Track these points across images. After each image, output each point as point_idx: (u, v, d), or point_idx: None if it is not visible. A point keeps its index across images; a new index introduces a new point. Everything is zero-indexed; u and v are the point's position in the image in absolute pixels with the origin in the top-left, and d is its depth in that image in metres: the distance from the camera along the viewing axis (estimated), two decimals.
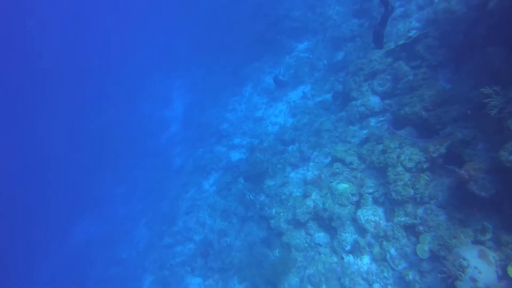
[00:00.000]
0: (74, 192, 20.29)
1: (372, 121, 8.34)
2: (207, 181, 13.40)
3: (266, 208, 8.77)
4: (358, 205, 7.00)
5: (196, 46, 20.33)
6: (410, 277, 5.74)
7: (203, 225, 11.85)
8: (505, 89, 4.67)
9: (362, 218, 6.69)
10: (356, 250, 6.75)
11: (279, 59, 14.80)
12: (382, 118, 8.23)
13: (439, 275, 5.07)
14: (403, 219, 6.11)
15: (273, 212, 8.34)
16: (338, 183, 7.26)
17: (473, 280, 4.61)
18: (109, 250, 15.72)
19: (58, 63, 27.42)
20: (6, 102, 25.84)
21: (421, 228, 5.79)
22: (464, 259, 4.75)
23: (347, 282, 6.60)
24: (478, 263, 4.64)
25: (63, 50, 28.21)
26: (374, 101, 8.32)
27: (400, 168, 6.33)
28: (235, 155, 13.19)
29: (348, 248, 6.94)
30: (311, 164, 8.89)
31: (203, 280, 10.64)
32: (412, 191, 6.07)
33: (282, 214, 8.18)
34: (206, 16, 21.20)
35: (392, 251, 6.15)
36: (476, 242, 4.97)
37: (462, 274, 4.70)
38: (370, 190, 6.87)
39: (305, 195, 7.93)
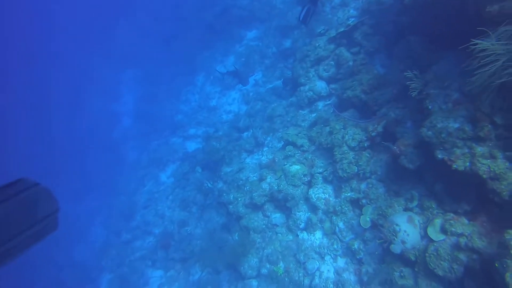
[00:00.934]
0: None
1: (320, 105, 9.14)
2: (164, 173, 13.70)
3: (224, 194, 9.33)
4: (309, 184, 7.78)
5: (145, 38, 20.13)
6: (356, 246, 6.62)
7: (162, 217, 12.20)
8: (423, 73, 5.57)
9: (313, 197, 7.48)
10: (309, 227, 7.55)
11: (229, 48, 15.25)
12: (328, 102, 9.05)
13: (377, 241, 5.98)
14: (349, 194, 6.96)
15: (231, 198, 8.92)
16: (291, 165, 7.99)
17: (403, 242, 5.54)
18: (61, 253, 15.45)
19: None
20: None
21: (364, 201, 6.67)
22: (396, 224, 5.66)
23: (302, 257, 7.39)
24: (407, 227, 5.57)
25: None
26: (321, 86, 9.11)
27: (345, 148, 7.17)
28: (191, 145, 13.58)
29: (302, 225, 7.71)
30: (265, 149, 9.57)
31: (165, 272, 11.03)
32: (356, 168, 6.93)
33: (240, 199, 8.78)
34: (155, 8, 20.98)
35: (341, 224, 7.00)
36: (406, 209, 5.90)
37: (395, 238, 5.61)
38: (320, 170, 7.67)
39: (261, 179, 8.59)
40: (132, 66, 20.71)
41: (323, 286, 6.80)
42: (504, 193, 4.50)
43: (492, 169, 4.61)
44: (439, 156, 5.10)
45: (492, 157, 4.70)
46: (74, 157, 19.57)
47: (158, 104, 16.47)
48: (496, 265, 4.14)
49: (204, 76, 15.58)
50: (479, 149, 4.80)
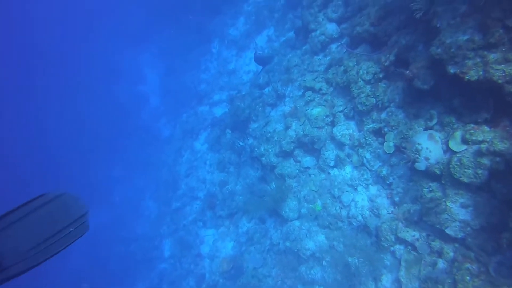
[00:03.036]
0: (73, 187, 21.19)
1: (333, 47, 9.14)
2: (198, 142, 14.36)
3: (256, 149, 9.78)
4: (333, 124, 8.03)
5: (155, 14, 20.23)
6: (384, 172, 6.91)
7: (204, 182, 12.99)
8: None
9: (338, 134, 7.75)
10: (338, 163, 7.88)
11: (238, 9, 15.14)
12: (342, 42, 9.02)
13: (401, 162, 6.23)
14: (371, 125, 7.16)
15: (262, 150, 9.37)
16: (312, 109, 8.23)
17: (426, 158, 5.76)
18: (124, 231, 16.93)
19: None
20: None
21: (386, 129, 6.85)
22: (418, 144, 5.87)
23: (336, 192, 7.80)
24: (429, 144, 5.76)
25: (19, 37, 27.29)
26: (331, 28, 9.05)
27: (361, 83, 7.28)
28: (218, 111, 14.04)
29: (332, 163, 8.05)
30: (287, 99, 9.80)
31: (216, 229, 11.93)
32: (374, 99, 7.07)
33: (270, 150, 9.21)
34: None
35: (367, 155, 7.27)
36: (426, 128, 6.05)
37: (418, 156, 5.83)
38: (341, 108, 7.87)
39: (287, 127, 8.92)
40: (148, 46, 21.07)
41: (360, 213, 7.23)
42: None
43: (508, 73, 4.64)
44: (451, 71, 5.16)
45: (507, 61, 4.71)
46: (114, 143, 20.71)
47: (180, 78, 16.90)
48: None
49: (219, 42, 15.71)
50: (492, 56, 4.81)
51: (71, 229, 1.29)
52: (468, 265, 5.15)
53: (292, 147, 8.72)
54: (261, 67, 10.15)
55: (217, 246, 11.48)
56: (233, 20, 15.30)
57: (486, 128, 5.22)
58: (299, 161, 8.77)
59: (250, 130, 10.65)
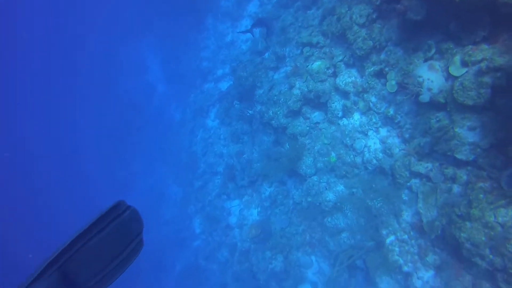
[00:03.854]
0: (99, 182, 22.08)
1: None
2: (209, 119, 14.64)
3: (265, 114, 9.95)
4: (335, 75, 8.09)
5: (144, 2, 20.17)
6: (391, 112, 7.00)
7: (221, 156, 13.35)
8: None
9: (341, 84, 7.82)
10: (346, 112, 8.00)
11: None
12: None
13: (405, 98, 6.32)
14: (371, 69, 7.21)
15: (271, 114, 9.54)
16: (312, 64, 8.30)
17: (429, 89, 5.83)
18: (153, 218, 17.65)
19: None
20: None
21: (386, 69, 6.90)
22: (419, 76, 5.93)
23: (348, 141, 7.96)
24: (429, 74, 5.82)
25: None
26: None
27: (355, 27, 7.28)
28: (224, 85, 14.21)
29: (340, 114, 8.17)
30: (287, 60, 9.86)
31: (240, 199, 12.36)
32: (371, 42, 7.08)
33: (279, 112, 9.37)
34: None
35: (373, 99, 7.36)
36: (426, 60, 6.08)
37: (421, 89, 5.91)
38: (340, 58, 7.91)
39: (291, 87, 9.03)
40: (144, 35, 21.15)
41: (374, 157, 7.41)
42: None
43: None
44: None
45: None
46: (129, 137, 21.26)
47: (182, 61, 17.04)
48: None
49: (212, 16, 15.65)
50: None
51: (134, 245, 1.23)
52: (481, 184, 5.31)
53: (299, 106, 8.86)
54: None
55: (244, 214, 11.93)
56: None
57: (485, 46, 5.24)
58: (308, 118, 8.92)
59: (257, 97, 10.80)
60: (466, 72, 5.33)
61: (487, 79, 5.02)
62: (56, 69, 26.54)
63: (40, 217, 22.92)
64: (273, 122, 9.60)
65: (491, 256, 4.94)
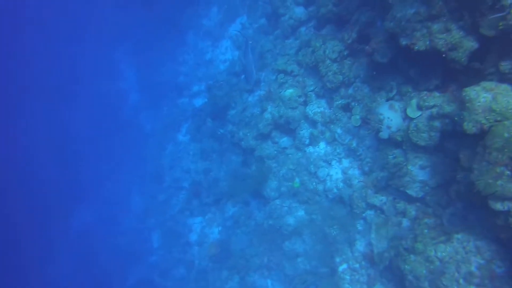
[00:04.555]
0: (59, 187, 21.36)
1: (303, 30, 9.59)
2: (180, 133, 14.74)
3: (235, 134, 10.22)
4: (305, 103, 8.52)
5: (125, 9, 20.24)
6: (354, 144, 7.47)
7: (188, 172, 13.39)
8: None
9: (310, 113, 8.25)
10: (313, 140, 8.39)
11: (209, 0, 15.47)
12: (310, 25, 9.49)
13: (367, 133, 6.79)
14: (339, 102, 7.69)
15: (241, 135, 9.82)
16: (285, 91, 8.71)
17: (388, 127, 6.32)
18: (110, 226, 17.23)
19: None
20: None
21: (353, 104, 7.40)
22: (380, 114, 6.42)
23: (312, 168, 8.33)
24: (389, 113, 6.32)
25: None
26: (299, 11, 9.51)
27: (328, 61, 7.77)
28: (198, 101, 14.41)
29: (307, 141, 8.55)
30: (262, 84, 10.25)
31: (203, 217, 12.40)
32: (341, 76, 7.58)
33: (249, 134, 9.66)
34: None
35: (338, 130, 7.81)
36: (388, 99, 6.60)
37: (381, 126, 6.39)
38: (312, 88, 8.37)
39: (263, 111, 9.37)
40: (122, 42, 21.10)
41: (335, 186, 7.79)
42: (462, 59, 5.12)
43: (448, 41, 5.18)
44: (403, 42, 5.68)
45: (447, 30, 5.25)
46: (97, 142, 20.86)
47: (158, 72, 17.14)
48: (456, 119, 4.87)
49: (194, 33, 15.99)
50: (435, 26, 5.34)
51: None
52: (426, 220, 5.76)
53: (269, 129, 9.19)
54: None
55: (205, 232, 11.97)
56: (205, 11, 15.60)
57: (436, 94, 5.80)
58: (277, 142, 9.26)
59: (229, 117, 11.08)
60: (420, 115, 5.86)
61: (437, 123, 5.55)
62: (25, 64, 25.96)
63: None
64: (243, 143, 9.86)
65: None
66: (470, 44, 4.99)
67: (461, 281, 4.99)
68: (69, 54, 24.46)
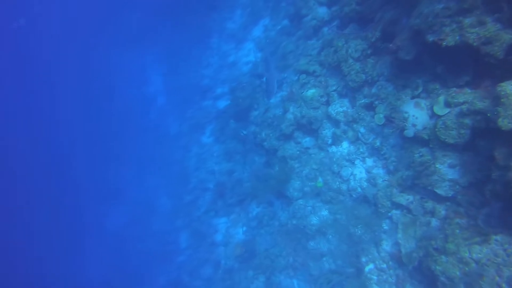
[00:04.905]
0: (93, 190, 22.00)
1: (325, 30, 9.47)
2: (204, 135, 14.87)
3: (258, 135, 10.19)
4: (328, 103, 8.39)
5: (153, 15, 20.69)
6: (378, 143, 7.27)
7: (213, 173, 13.48)
8: None
9: (333, 113, 8.11)
10: (335, 140, 8.24)
11: (234, 2, 15.56)
12: (333, 24, 9.35)
13: (392, 132, 6.59)
14: (362, 101, 7.51)
15: (264, 135, 9.78)
16: (307, 91, 8.61)
17: (414, 125, 6.11)
18: (141, 229, 17.57)
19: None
20: None
21: (376, 102, 7.20)
22: (405, 112, 6.22)
23: (335, 168, 8.18)
24: (415, 111, 6.12)
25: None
26: (322, 11, 9.41)
27: (350, 61, 7.63)
28: (222, 103, 14.50)
29: (330, 141, 8.42)
30: (284, 85, 10.19)
31: (228, 217, 12.43)
32: (364, 75, 7.41)
33: (271, 135, 9.62)
34: None
35: (362, 129, 7.63)
36: (413, 97, 6.38)
37: (406, 124, 6.19)
38: (334, 88, 8.24)
39: (285, 111, 9.30)
40: (150, 48, 21.56)
41: (359, 185, 7.61)
42: (498, 53, 4.86)
43: (482, 35, 4.94)
44: (430, 39, 5.48)
45: (481, 23, 5.00)
46: (125, 146, 21.38)
47: (184, 76, 17.40)
48: (489, 115, 4.64)
49: (218, 37, 16.16)
50: (467, 21, 5.11)
51: None
52: (458, 220, 5.50)
53: (291, 130, 9.11)
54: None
55: (230, 232, 11.98)
56: (230, 14, 15.72)
57: (467, 90, 5.55)
58: (299, 142, 9.16)
59: (252, 118, 11.08)
60: (449, 112, 5.62)
61: (467, 121, 5.30)
62: (58, 69, 26.94)
63: (24, 223, 22.74)
64: (265, 143, 9.82)
65: None
66: (509, 36, 4.72)
67: (504, 285, 4.73)
68: (101, 59, 25.15)
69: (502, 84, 4.52)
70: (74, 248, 20.93)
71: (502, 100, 4.44)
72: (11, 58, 26.27)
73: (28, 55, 27.25)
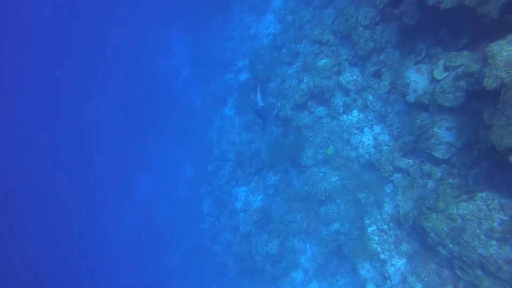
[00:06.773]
0: (117, 158, 23.57)
1: None
2: (226, 108, 15.56)
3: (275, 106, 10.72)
4: (339, 72, 8.73)
5: None
6: (384, 110, 7.60)
7: (234, 144, 14.23)
8: None
9: (344, 82, 8.47)
10: (346, 108, 8.63)
11: None
12: None
13: (395, 98, 6.91)
14: (371, 69, 7.81)
15: (279, 105, 10.29)
16: (320, 61, 8.97)
17: (415, 90, 6.43)
18: (167, 196, 18.88)
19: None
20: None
21: (383, 70, 7.50)
22: (407, 78, 6.52)
23: (345, 136, 8.61)
24: (416, 77, 6.40)
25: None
26: None
27: (360, 29, 7.89)
28: (243, 76, 15.06)
29: (341, 110, 8.81)
30: (300, 56, 10.55)
31: (247, 186, 13.21)
32: (372, 43, 7.67)
33: (286, 104, 10.09)
34: None
35: (370, 97, 7.97)
36: (416, 63, 6.64)
37: (408, 90, 6.50)
38: (345, 57, 8.54)
39: (299, 82, 9.73)
40: (173, 20, 22.18)
41: (366, 152, 8.03)
42: (493, 13, 5.05)
43: None
44: (430, 2, 5.70)
45: None
46: (151, 117, 22.55)
47: (207, 49, 17.95)
48: (476, 76, 4.92)
49: (240, 8, 16.46)
50: None
51: None
52: (450, 180, 5.88)
53: (304, 99, 9.55)
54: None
55: (249, 200, 12.78)
56: None
57: (465, 53, 5.78)
58: (313, 112, 9.61)
59: (270, 89, 11.56)
60: (447, 76, 5.88)
61: (462, 83, 5.57)
62: (83, 46, 28.38)
63: (58, 191, 24.89)
64: (281, 114, 10.33)
65: (450, 245, 5.52)
66: None
67: (482, 236, 5.15)
68: (127, 33, 26.15)
69: (491, 44, 4.76)
70: (108, 211, 22.79)
71: (488, 60, 4.70)
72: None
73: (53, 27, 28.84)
